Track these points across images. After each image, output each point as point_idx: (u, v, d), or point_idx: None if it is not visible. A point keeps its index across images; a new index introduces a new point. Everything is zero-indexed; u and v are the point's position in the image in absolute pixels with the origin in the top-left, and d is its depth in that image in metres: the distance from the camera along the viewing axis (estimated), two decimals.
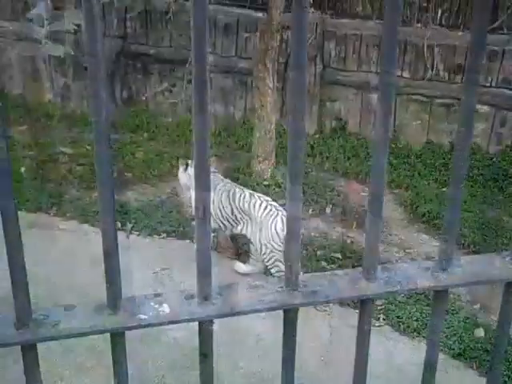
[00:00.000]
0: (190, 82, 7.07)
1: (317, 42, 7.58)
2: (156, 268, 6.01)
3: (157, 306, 1.02)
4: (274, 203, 5.78)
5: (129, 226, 6.58)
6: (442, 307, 1.13)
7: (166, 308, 1.01)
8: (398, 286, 1.08)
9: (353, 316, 5.28)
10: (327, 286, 1.07)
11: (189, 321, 1.01)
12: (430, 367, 1.16)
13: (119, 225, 6.59)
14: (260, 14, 7.50)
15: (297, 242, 1.04)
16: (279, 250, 5.52)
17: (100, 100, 0.93)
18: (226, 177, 6.42)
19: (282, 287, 1.06)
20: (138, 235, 6.56)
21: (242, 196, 5.81)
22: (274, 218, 5.60)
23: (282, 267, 5.22)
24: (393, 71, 1.03)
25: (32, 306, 1.00)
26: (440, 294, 1.12)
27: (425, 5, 7.49)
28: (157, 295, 1.04)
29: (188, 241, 6.56)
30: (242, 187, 6.04)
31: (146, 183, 7.41)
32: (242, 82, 7.99)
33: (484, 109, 7.33)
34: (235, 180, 7.20)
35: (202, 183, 1.01)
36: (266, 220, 5.62)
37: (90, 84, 0.92)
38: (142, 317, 1.00)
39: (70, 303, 1.04)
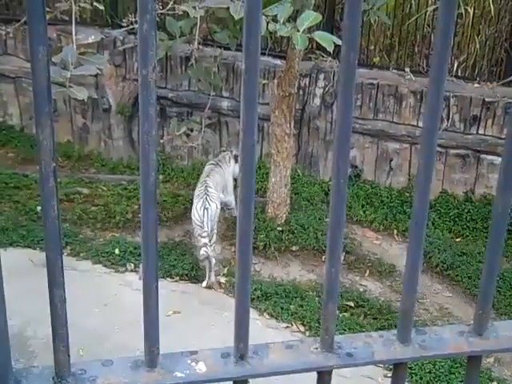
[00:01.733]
0: (207, 126, 7.20)
1: (334, 91, 7.67)
2: (168, 311, 5.99)
3: (193, 364, 1.03)
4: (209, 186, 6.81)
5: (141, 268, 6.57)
6: (475, 372, 1.13)
7: (202, 366, 1.02)
8: (433, 351, 1.08)
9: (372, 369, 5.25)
10: (362, 348, 1.08)
11: (225, 380, 1.02)
12: None
13: (132, 266, 6.60)
14: (278, 61, 7.62)
15: (334, 303, 1.05)
16: (198, 225, 6.55)
17: (150, 165, 0.95)
18: None
19: (316, 348, 1.06)
20: None
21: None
22: (200, 199, 6.67)
23: (201, 241, 6.45)
24: (436, 123, 1.06)
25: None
26: (474, 359, 1.12)
27: None
28: (193, 353, 1.05)
29: (200, 284, 6.57)
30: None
31: (160, 225, 7.43)
32: (259, 127, 8.06)
33: (499, 160, 7.34)
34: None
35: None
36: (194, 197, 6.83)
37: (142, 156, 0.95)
38: (179, 375, 1.01)
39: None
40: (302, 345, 1.07)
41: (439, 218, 7.45)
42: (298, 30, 5.01)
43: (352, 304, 6.37)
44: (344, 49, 0.96)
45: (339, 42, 5.20)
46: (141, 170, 0.96)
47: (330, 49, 5.12)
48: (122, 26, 6.44)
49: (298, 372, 1.05)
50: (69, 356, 0.99)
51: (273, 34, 5.75)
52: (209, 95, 6.63)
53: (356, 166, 7.92)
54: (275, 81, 7.13)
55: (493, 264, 1.09)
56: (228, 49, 6.82)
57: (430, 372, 5.65)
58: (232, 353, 1.04)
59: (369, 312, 6.31)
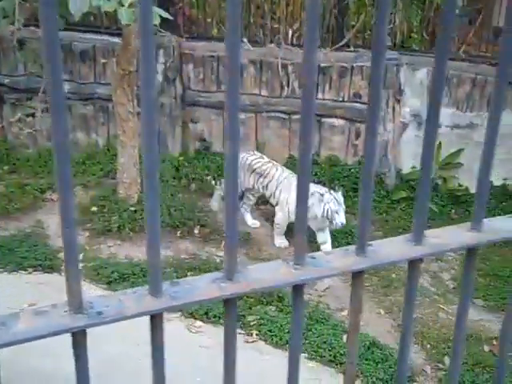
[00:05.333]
0: (45, 110, 6.95)
1: (175, 65, 7.65)
2: (23, 304, 5.79)
3: None
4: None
5: None
6: (232, 316, 1.19)
7: None
8: (184, 300, 1.13)
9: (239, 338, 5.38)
10: (114, 306, 1.10)
11: None
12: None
13: None
14: (116, 40, 7.47)
15: (74, 266, 1.06)
16: None
17: None
18: None
19: (66, 311, 1.07)
20: (2, 272, 6.31)
21: None
22: None
23: None
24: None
25: None
26: (228, 303, 1.17)
27: (276, 26, 7.77)
28: None
29: (56, 274, 6.39)
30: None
31: (9, 217, 7.14)
32: (103, 108, 7.91)
33: (339, 122, 7.68)
34: (103, 207, 7.10)
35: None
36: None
37: None
38: None
39: None
40: (54, 309, 1.08)
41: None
42: (123, 5, 4.93)
43: None
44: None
45: (166, 15, 5.18)
46: None
47: (156, 22, 5.09)
48: None
49: (49, 336, 1.05)
50: None
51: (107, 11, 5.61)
52: (42, 78, 6.39)
53: (204, 140, 7.99)
54: (114, 59, 7.00)
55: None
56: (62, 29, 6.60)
57: (289, 332, 5.86)
58: None
59: None
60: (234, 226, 1.16)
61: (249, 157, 7.08)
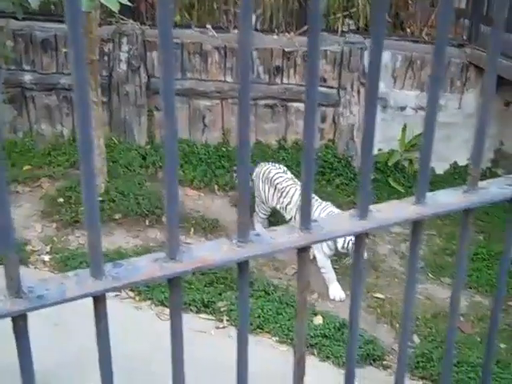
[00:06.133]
0: (9, 101, 6.84)
1: (139, 53, 7.58)
2: None
3: None
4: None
5: None
6: (177, 295, 1.19)
7: None
8: (125, 280, 1.12)
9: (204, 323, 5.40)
10: (55, 289, 1.09)
11: None
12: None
13: None
14: None
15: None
16: None
17: None
18: None
19: (6, 296, 1.06)
20: None
21: None
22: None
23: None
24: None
25: None
26: (173, 281, 1.17)
27: (239, 11, 7.73)
28: None
29: (23, 266, 6.32)
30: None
31: None
32: (67, 98, 7.81)
33: (303, 107, 7.68)
34: (70, 198, 7.04)
35: None
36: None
37: None
38: None
39: None
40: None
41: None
42: None
43: None
44: None
45: (126, 2, 5.12)
46: None
47: (116, 9, 5.03)
48: None
49: None
50: None
51: None
52: (1, 68, 6.31)
53: None
54: None
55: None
56: (17, 18, 6.50)
57: (259, 317, 5.87)
58: None
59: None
60: (174, 206, 1.16)
61: (272, 169, 6.59)
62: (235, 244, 1.22)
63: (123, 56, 7.57)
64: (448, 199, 1.41)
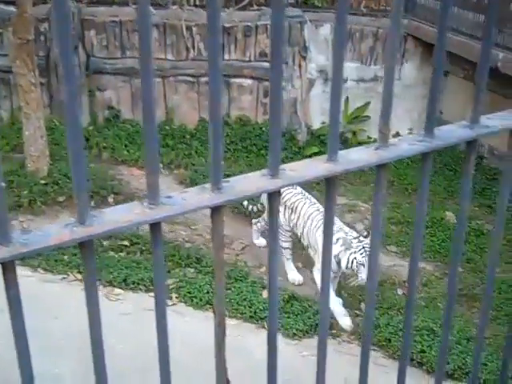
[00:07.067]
0: None
1: (76, 32, 7.43)
2: None
3: None
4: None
5: None
6: (90, 262, 1.19)
7: None
8: (35, 246, 1.12)
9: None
10: None
11: None
12: None
13: None
14: (12, 8, 7.18)
15: None
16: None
17: None
18: None
19: None
20: None
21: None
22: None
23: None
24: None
25: None
26: (84, 247, 1.17)
27: None
28: None
29: None
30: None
31: None
32: (5, 80, 7.62)
33: (247, 82, 7.68)
34: (12, 182, 6.90)
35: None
36: None
37: None
38: None
39: None
40: None
41: (201, 145, 7.68)
42: None
43: (127, 243, 6.40)
44: None
45: None
46: None
47: None
48: None
49: None
50: None
51: None
52: None
53: (112, 107, 7.84)
54: (10, 29, 6.74)
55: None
56: None
57: (208, 292, 5.88)
58: None
59: (144, 248, 6.39)
60: (81, 171, 1.15)
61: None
62: (146, 206, 1.22)
63: None
64: (360, 156, 1.43)
